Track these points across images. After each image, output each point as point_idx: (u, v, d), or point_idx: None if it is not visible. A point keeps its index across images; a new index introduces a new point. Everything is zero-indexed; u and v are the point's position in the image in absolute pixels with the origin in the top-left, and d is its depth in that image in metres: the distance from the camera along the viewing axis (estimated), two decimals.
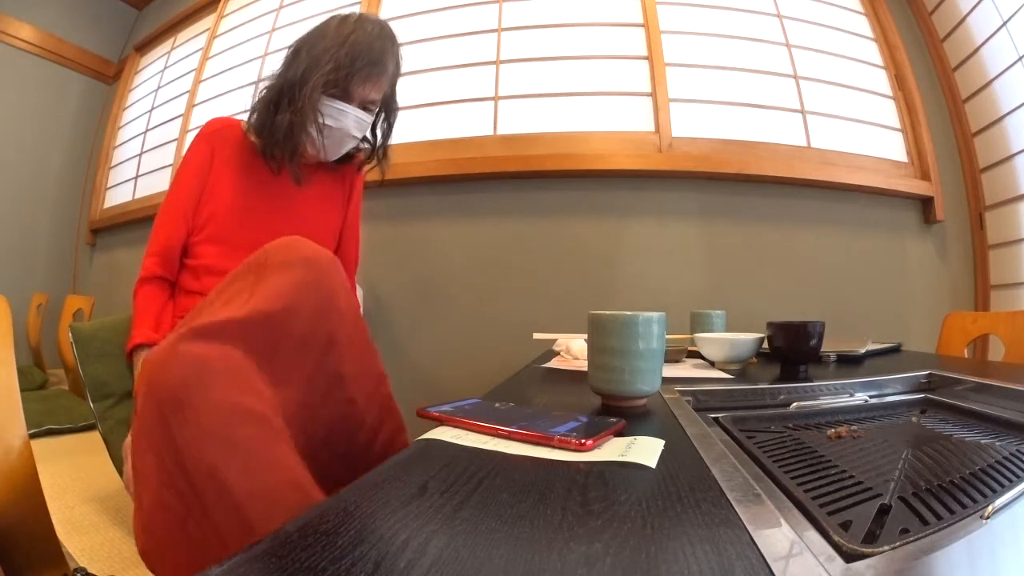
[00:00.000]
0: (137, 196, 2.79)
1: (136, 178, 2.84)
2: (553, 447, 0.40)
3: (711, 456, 0.39)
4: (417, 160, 1.80)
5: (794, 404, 0.65)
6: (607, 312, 0.56)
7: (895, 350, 1.21)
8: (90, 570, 0.57)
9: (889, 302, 1.80)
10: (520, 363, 1.04)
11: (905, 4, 2.08)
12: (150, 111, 2.90)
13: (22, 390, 0.58)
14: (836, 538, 0.29)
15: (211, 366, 0.52)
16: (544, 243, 1.76)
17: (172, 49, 2.97)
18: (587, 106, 1.81)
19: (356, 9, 1.77)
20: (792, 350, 0.86)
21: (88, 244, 3.11)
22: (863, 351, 1.02)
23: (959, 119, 1.93)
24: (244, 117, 1.06)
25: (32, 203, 3.08)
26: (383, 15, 2.04)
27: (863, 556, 0.25)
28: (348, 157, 1.12)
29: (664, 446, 0.41)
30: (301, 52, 0.98)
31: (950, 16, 1.95)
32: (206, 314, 0.59)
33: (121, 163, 3.01)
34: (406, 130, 1.80)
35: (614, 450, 0.39)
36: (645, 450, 0.39)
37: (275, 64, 1.04)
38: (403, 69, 1.07)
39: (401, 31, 1.08)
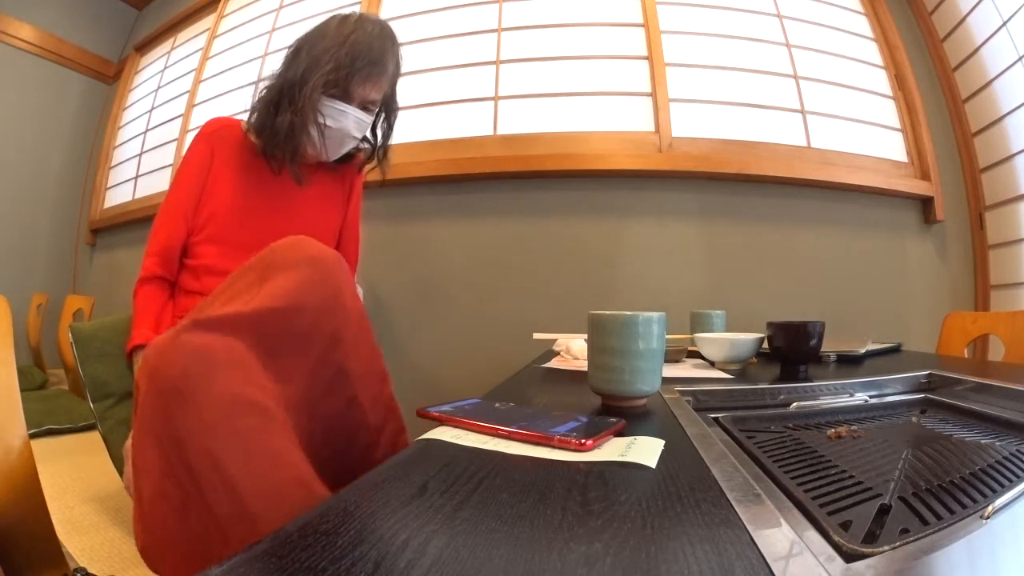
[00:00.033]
0: (137, 196, 2.79)
1: (136, 178, 2.84)
2: (553, 447, 0.40)
3: (711, 456, 0.39)
4: (417, 160, 1.80)
5: (794, 404, 0.65)
6: (607, 312, 0.56)
7: (895, 350, 1.21)
8: (90, 570, 0.57)
9: (889, 302, 1.80)
10: (520, 363, 1.04)
11: (905, 4, 2.08)
12: (150, 111, 2.89)
13: (22, 390, 0.58)
14: (836, 538, 0.29)
15: (213, 356, 0.52)
16: (544, 243, 1.76)
17: (172, 49, 2.97)
18: (587, 106, 1.81)
19: (356, 9, 1.77)
20: (792, 350, 0.86)
21: (88, 244, 3.11)
22: (863, 351, 1.02)
23: (959, 119, 1.93)
24: (244, 117, 1.07)
25: (32, 203, 3.08)
26: (383, 15, 2.04)
27: (863, 556, 0.25)
28: (348, 157, 1.13)
29: (664, 446, 0.41)
30: (301, 52, 0.98)
31: (950, 16, 1.95)
32: (209, 310, 0.58)
33: (121, 163, 3.01)
34: (406, 130, 1.80)
35: (614, 450, 0.39)
36: (645, 450, 0.39)
37: (275, 64, 1.04)
38: (403, 69, 1.07)
39: (401, 31, 1.08)
